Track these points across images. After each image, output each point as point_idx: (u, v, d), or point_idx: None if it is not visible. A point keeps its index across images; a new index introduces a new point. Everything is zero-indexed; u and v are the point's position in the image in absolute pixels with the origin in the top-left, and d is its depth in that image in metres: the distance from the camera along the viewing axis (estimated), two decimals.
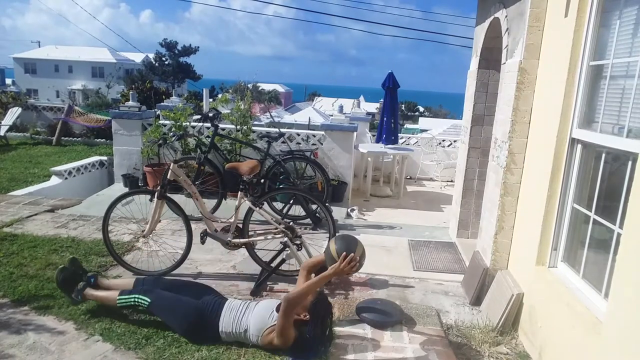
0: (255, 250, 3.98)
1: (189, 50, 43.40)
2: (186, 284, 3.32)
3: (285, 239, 3.68)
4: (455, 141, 9.10)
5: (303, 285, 2.89)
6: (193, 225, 4.03)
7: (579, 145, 2.86)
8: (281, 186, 5.80)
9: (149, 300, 3.02)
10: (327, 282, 3.89)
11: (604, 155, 2.64)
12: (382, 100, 8.13)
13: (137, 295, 3.05)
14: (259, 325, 2.85)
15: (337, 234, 3.04)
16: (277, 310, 2.90)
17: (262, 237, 3.89)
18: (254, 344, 2.86)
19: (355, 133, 6.80)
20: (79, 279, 3.26)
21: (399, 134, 8.94)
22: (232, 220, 3.89)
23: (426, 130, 14.13)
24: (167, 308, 3.01)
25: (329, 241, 2.99)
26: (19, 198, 6.01)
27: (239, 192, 3.81)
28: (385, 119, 7.67)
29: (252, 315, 2.91)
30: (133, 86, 15.55)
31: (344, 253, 2.84)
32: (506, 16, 3.85)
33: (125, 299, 3.07)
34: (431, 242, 5.14)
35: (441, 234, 5.49)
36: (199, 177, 5.54)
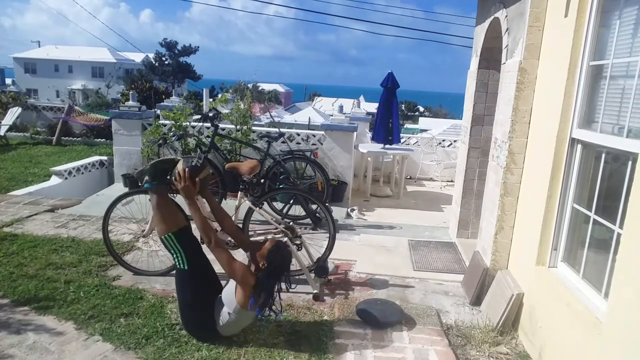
0: None
1: (189, 50, 43.40)
2: (214, 276, 3.15)
3: (285, 239, 3.68)
4: (455, 141, 9.10)
5: (194, 213, 2.95)
6: (193, 226, 4.02)
7: (579, 145, 2.86)
8: (281, 186, 5.79)
9: (186, 267, 2.95)
10: (328, 283, 3.90)
11: (604, 155, 2.63)
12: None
13: (182, 253, 2.96)
14: (228, 297, 2.88)
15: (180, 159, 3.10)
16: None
17: (262, 237, 3.88)
18: (237, 311, 2.84)
19: (355, 133, 6.80)
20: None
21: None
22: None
23: (426, 130, 14.12)
24: (188, 294, 2.98)
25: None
26: (19, 198, 6.01)
27: (239, 192, 3.81)
28: (379, 118, 7.66)
29: (222, 296, 2.93)
30: (133, 86, 15.56)
31: (180, 171, 2.94)
32: (506, 16, 3.85)
33: (173, 244, 2.97)
34: (431, 242, 5.14)
35: (441, 234, 5.49)
36: None
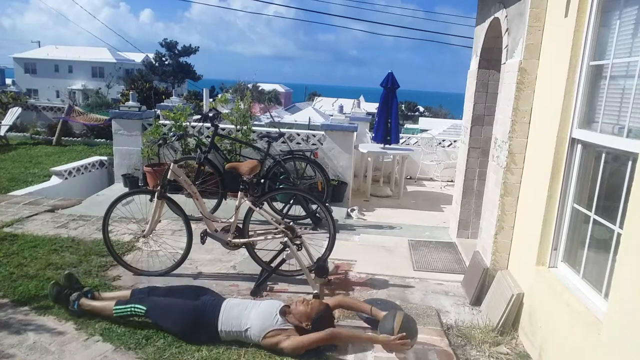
0: (255, 250, 3.98)
1: (189, 50, 43.41)
2: (183, 288, 3.31)
3: (286, 239, 3.68)
4: (455, 141, 9.10)
5: (353, 334, 2.95)
6: (193, 225, 4.03)
7: (579, 145, 2.86)
8: (281, 186, 5.80)
9: (144, 308, 3.01)
10: (328, 283, 3.90)
11: (604, 155, 2.64)
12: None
13: (133, 305, 3.04)
14: (261, 326, 2.85)
15: (405, 314, 2.99)
16: (281, 313, 2.91)
17: (262, 237, 3.89)
18: (254, 343, 2.86)
19: (355, 133, 6.80)
20: (74, 291, 3.22)
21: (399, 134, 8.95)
22: (232, 220, 3.89)
23: (426, 130, 14.12)
24: (164, 312, 3.00)
25: (397, 312, 2.96)
26: (19, 198, 6.01)
27: (239, 192, 3.81)
28: (378, 118, 7.66)
29: (253, 315, 2.91)
30: (133, 86, 15.56)
31: (404, 334, 2.81)
32: (506, 16, 3.85)
33: (122, 308, 3.05)
34: (431, 242, 5.14)
35: (441, 234, 5.49)
36: (199, 177, 5.54)
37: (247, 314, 2.93)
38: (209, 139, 5.91)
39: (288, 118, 26.59)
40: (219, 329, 2.90)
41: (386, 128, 7.56)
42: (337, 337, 2.86)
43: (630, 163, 2.33)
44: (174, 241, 4.29)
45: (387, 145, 7.64)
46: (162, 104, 7.88)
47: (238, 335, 2.89)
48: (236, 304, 3.02)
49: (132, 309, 3.03)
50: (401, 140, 9.21)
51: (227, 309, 2.96)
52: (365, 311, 3.12)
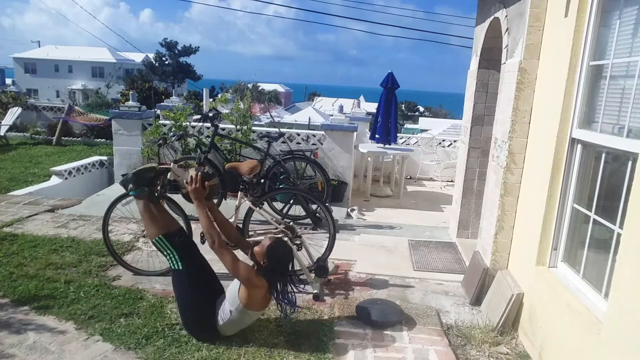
0: None
1: (189, 50, 43.40)
2: (212, 274, 3.19)
3: (286, 239, 3.68)
4: (455, 141, 9.10)
5: (204, 223, 2.99)
6: (193, 225, 4.02)
7: (579, 145, 2.86)
8: (281, 186, 5.80)
9: (180, 267, 3.01)
10: (328, 283, 3.90)
11: (604, 155, 2.64)
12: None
13: (174, 253, 3.03)
14: (231, 296, 2.90)
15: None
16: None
17: (262, 237, 3.88)
18: (240, 310, 2.85)
19: (355, 133, 6.81)
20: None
21: (399, 134, 8.96)
22: (232, 220, 3.88)
23: (426, 130, 14.12)
24: (186, 293, 3.00)
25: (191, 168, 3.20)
26: (19, 198, 6.01)
27: (239, 192, 3.81)
28: (379, 118, 7.66)
29: (226, 295, 2.96)
30: (133, 86, 15.56)
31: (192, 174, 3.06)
32: (506, 16, 3.85)
33: (164, 245, 3.05)
34: (431, 242, 5.14)
35: (441, 234, 5.49)
36: None
37: (224, 299, 2.96)
38: (209, 139, 5.90)
39: (288, 118, 26.59)
40: (218, 324, 2.92)
41: (387, 128, 7.56)
42: (210, 241, 2.90)
43: (630, 163, 2.33)
44: None
45: (387, 145, 7.64)
46: (162, 104, 7.88)
47: (231, 323, 2.90)
48: (221, 297, 3.05)
49: (171, 256, 3.04)
50: (401, 140, 9.21)
51: (218, 304, 2.98)
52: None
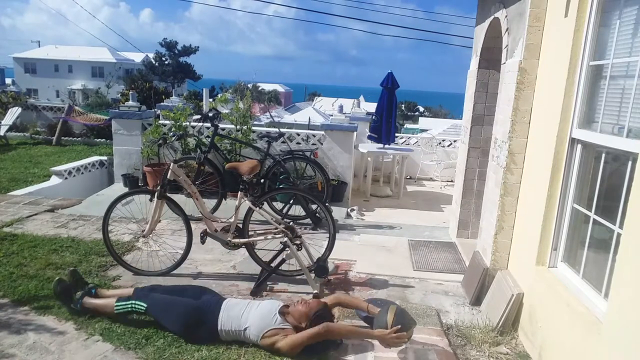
0: (255, 250, 3.98)
1: (189, 50, 43.39)
2: (184, 288, 3.32)
3: (285, 239, 3.68)
4: (455, 141, 9.10)
5: (348, 328, 2.94)
6: (193, 225, 4.03)
7: (579, 145, 2.86)
8: (281, 186, 5.80)
9: (145, 305, 3.02)
10: (328, 283, 3.90)
11: (604, 155, 2.64)
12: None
13: (134, 302, 3.05)
14: (261, 325, 2.85)
15: (398, 307, 3.01)
16: (280, 313, 2.91)
17: (262, 237, 3.89)
18: (253, 343, 2.87)
19: (355, 133, 6.80)
20: (79, 288, 3.24)
21: (398, 134, 8.96)
22: (232, 220, 3.89)
23: (426, 130, 14.12)
24: (165, 309, 3.01)
25: (389, 307, 2.96)
26: (19, 198, 6.01)
27: (239, 192, 3.81)
28: (375, 117, 7.65)
29: (253, 315, 2.91)
30: (133, 86, 15.57)
31: (399, 327, 2.82)
32: (506, 16, 3.85)
33: (123, 305, 3.06)
34: (431, 242, 5.14)
35: (441, 234, 5.49)
36: (199, 177, 5.54)
37: (246, 313, 2.93)
38: (209, 139, 5.91)
39: (288, 118, 26.59)
40: (218, 329, 2.91)
41: (386, 128, 7.56)
42: (331, 330, 2.83)
43: (630, 163, 2.33)
44: (174, 241, 4.29)
45: (386, 145, 7.64)
46: (162, 103, 7.87)
47: (237, 334, 2.89)
48: (236, 303, 3.03)
49: (133, 305, 3.04)
50: (401, 140, 9.21)
51: (226, 309, 2.96)
52: (363, 308, 3.12)
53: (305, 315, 2.87)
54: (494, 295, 3.52)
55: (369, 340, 2.98)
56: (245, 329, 2.87)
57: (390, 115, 7.57)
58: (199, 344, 2.88)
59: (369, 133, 7.93)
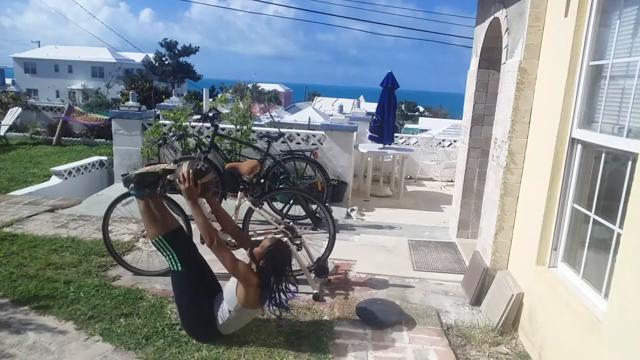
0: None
1: (189, 50, 43.39)
2: (211, 275, 3.18)
3: (285, 238, 3.68)
4: (455, 141, 9.10)
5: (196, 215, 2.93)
6: (193, 226, 4.02)
7: (579, 145, 2.86)
8: (281, 186, 5.80)
9: (179, 269, 2.98)
10: (328, 283, 3.90)
11: (603, 155, 2.64)
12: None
13: (173, 255, 2.99)
14: (229, 295, 2.89)
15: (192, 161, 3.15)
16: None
17: (262, 237, 3.88)
18: (238, 309, 2.85)
19: (355, 133, 6.80)
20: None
21: (398, 134, 8.95)
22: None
23: (426, 130, 14.12)
24: (185, 294, 2.99)
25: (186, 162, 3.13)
26: (19, 198, 6.01)
27: (239, 192, 3.81)
28: (376, 117, 7.65)
29: (224, 294, 2.95)
30: (133, 86, 15.57)
31: (184, 173, 3.00)
32: (506, 16, 3.85)
33: (164, 246, 3.01)
34: (431, 242, 5.14)
35: (441, 234, 5.49)
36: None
37: (222, 299, 2.95)
38: (209, 139, 5.90)
39: (288, 118, 26.57)
40: (217, 324, 2.92)
41: (389, 128, 7.56)
42: (207, 240, 2.85)
43: (630, 163, 2.33)
44: None
45: (386, 145, 7.64)
46: (162, 103, 7.88)
47: (230, 322, 2.90)
48: (220, 295, 3.05)
49: (171, 257, 3.00)
50: (401, 140, 9.21)
51: (217, 304, 2.98)
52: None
53: (259, 253, 2.90)
54: (494, 295, 3.52)
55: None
56: (228, 310, 2.88)
57: (390, 115, 7.57)
58: (203, 342, 2.90)
59: (369, 133, 7.93)
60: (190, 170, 3.01)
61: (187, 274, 3.01)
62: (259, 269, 2.89)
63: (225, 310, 2.90)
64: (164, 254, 3.05)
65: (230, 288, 2.92)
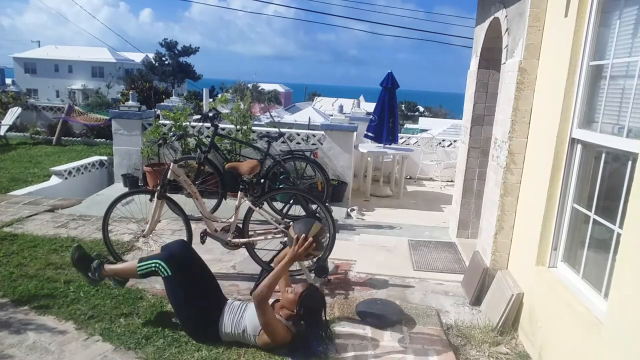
0: (255, 250, 3.98)
1: (189, 50, 43.41)
2: (204, 273, 3.14)
3: (285, 238, 3.68)
4: (455, 141, 9.10)
5: (270, 275, 2.84)
6: (193, 225, 4.03)
7: (579, 145, 2.86)
8: (281, 186, 5.80)
9: (169, 272, 2.92)
10: (328, 283, 3.90)
11: (603, 155, 2.64)
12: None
13: (158, 261, 2.94)
14: (254, 324, 2.85)
15: (298, 222, 3.02)
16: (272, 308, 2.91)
17: (262, 237, 3.89)
18: (253, 344, 2.86)
19: (355, 133, 6.80)
20: (91, 260, 3.18)
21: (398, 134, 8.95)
22: (232, 220, 3.89)
23: (426, 130, 14.12)
24: (179, 297, 2.95)
25: (315, 222, 2.99)
26: (19, 198, 6.01)
27: (239, 192, 3.81)
28: (374, 117, 7.64)
29: (248, 315, 2.91)
30: (133, 86, 15.57)
31: (302, 236, 2.86)
32: (506, 16, 3.85)
33: (146, 265, 2.96)
34: (431, 242, 5.14)
35: (441, 234, 5.49)
36: (199, 177, 5.54)
37: (244, 315, 2.92)
38: (209, 139, 5.91)
39: (288, 118, 26.56)
40: (221, 330, 2.90)
41: (389, 128, 7.55)
42: (258, 294, 2.75)
43: (630, 163, 2.33)
44: None
45: (387, 145, 7.64)
46: (162, 103, 7.88)
47: (237, 336, 2.89)
48: (236, 305, 3.02)
49: (157, 264, 2.94)
50: (401, 140, 9.21)
51: (228, 311, 2.95)
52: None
53: (293, 300, 2.88)
54: (494, 295, 3.52)
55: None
56: (244, 330, 2.86)
57: (393, 115, 7.57)
58: (202, 343, 2.89)
59: (365, 132, 7.90)
60: (313, 237, 2.87)
61: (177, 277, 2.95)
62: (291, 318, 2.87)
63: (246, 332, 2.85)
64: (151, 267, 2.98)
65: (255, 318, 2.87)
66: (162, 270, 2.95)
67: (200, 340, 2.92)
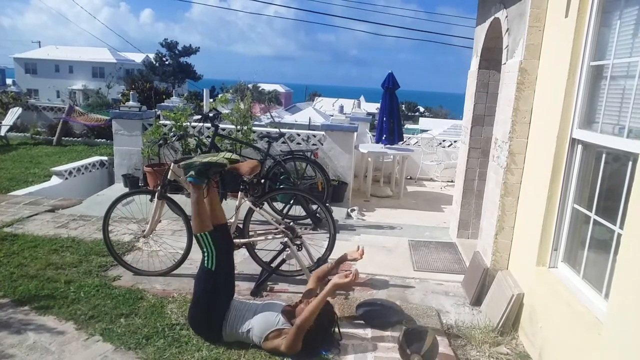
0: (256, 251, 3.98)
1: (189, 51, 43.43)
2: (233, 280, 3.17)
3: (286, 239, 3.68)
4: (455, 141, 9.10)
5: (309, 308, 2.86)
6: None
7: (580, 146, 2.86)
8: (281, 186, 5.80)
9: (213, 269, 2.92)
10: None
11: (604, 156, 2.63)
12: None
13: (214, 253, 2.94)
14: (263, 326, 2.85)
15: (435, 338, 2.90)
16: (283, 314, 2.91)
17: (262, 237, 3.89)
18: (255, 344, 2.86)
19: (355, 133, 6.81)
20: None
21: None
22: (232, 220, 3.88)
23: (426, 131, 14.10)
24: (206, 293, 2.94)
25: (429, 331, 2.88)
26: (20, 198, 6.01)
27: (239, 192, 3.81)
28: (384, 118, 7.65)
29: (256, 316, 2.90)
30: (133, 86, 15.57)
31: (355, 270, 2.98)
32: (506, 16, 3.85)
33: (207, 242, 2.95)
34: (431, 242, 5.14)
35: (441, 234, 5.49)
36: None
37: (250, 314, 2.92)
38: (210, 139, 5.91)
39: (288, 118, 26.52)
40: (223, 329, 2.90)
41: (390, 128, 7.55)
42: (302, 325, 2.76)
43: (630, 163, 2.33)
44: (174, 241, 4.30)
45: (387, 145, 7.64)
46: (162, 104, 7.88)
47: (240, 335, 2.89)
48: (239, 304, 3.02)
49: (209, 254, 2.94)
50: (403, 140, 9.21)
51: (232, 309, 2.96)
52: (331, 270, 3.31)
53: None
54: (494, 296, 3.52)
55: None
56: (249, 330, 2.86)
57: (392, 115, 7.57)
58: (204, 339, 2.90)
59: (369, 134, 7.90)
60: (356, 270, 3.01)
61: (216, 274, 2.96)
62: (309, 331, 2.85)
63: (251, 334, 2.85)
64: (204, 250, 2.98)
65: (267, 322, 2.86)
66: (209, 261, 2.95)
67: (202, 334, 2.92)
